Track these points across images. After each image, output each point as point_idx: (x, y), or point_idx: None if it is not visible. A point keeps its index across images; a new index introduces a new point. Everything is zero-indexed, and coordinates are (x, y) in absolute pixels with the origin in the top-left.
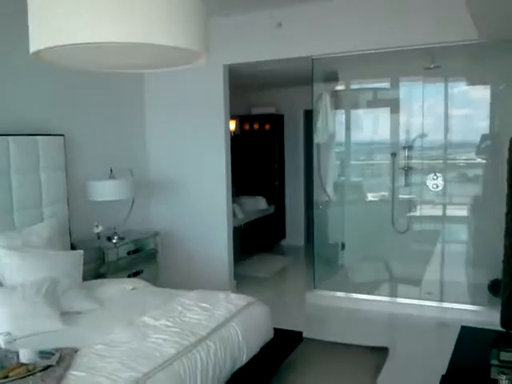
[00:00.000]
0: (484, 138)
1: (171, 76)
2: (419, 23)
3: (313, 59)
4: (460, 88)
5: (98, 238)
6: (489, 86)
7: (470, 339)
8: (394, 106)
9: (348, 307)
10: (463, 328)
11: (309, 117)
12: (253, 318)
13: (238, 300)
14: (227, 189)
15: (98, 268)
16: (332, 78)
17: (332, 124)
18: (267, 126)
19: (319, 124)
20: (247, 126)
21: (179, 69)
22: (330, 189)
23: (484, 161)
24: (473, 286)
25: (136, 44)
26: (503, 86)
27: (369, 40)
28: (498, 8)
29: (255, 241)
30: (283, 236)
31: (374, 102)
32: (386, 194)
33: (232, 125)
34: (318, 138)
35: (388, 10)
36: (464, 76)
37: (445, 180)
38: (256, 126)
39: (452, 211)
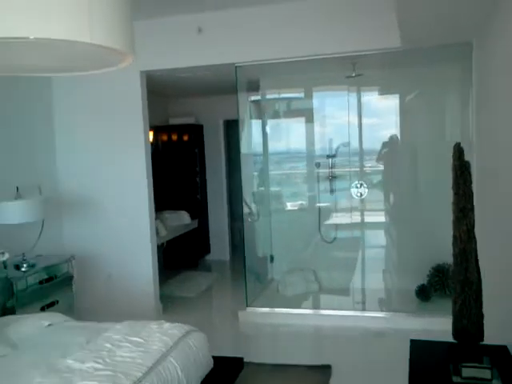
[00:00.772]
0: (384, 145)
1: (83, 82)
2: (341, 31)
3: (236, 66)
4: (375, 96)
5: (5, 267)
6: (398, 95)
7: (422, 354)
8: (317, 115)
9: (283, 323)
10: (413, 342)
11: (229, 127)
12: (191, 350)
13: (174, 330)
14: (149, 204)
15: (4, 302)
16: (255, 87)
17: (257, 134)
18: (186, 137)
19: (244, 134)
20: (165, 137)
21: (95, 73)
22: (254, 200)
23: (383, 167)
24: (401, 292)
25: (42, 40)
26: (414, 94)
27: (292, 47)
28: (426, 12)
29: (179, 258)
30: (208, 251)
31: (298, 112)
32: (312, 203)
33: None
34: (244, 148)
35: (312, 17)
36: (381, 85)
37: (367, 187)
38: (174, 137)
39: (375, 218)
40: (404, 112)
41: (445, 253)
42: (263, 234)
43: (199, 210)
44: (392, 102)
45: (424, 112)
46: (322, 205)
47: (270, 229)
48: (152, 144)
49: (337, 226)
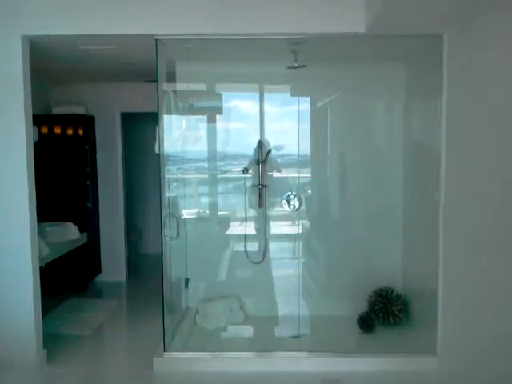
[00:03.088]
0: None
1: None
2: (288, 7)
3: (156, 40)
4: (316, 94)
5: None
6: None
7: None
8: (245, 113)
9: (210, 371)
10: None
11: (127, 121)
12: None
13: None
14: (31, 216)
15: None
16: (170, 74)
17: (173, 132)
18: (74, 131)
19: (161, 130)
20: (46, 130)
21: None
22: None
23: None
24: (341, 321)
25: None
26: (361, 92)
27: (225, 22)
28: None
29: (62, 281)
30: (99, 271)
31: (218, 108)
32: (236, 217)
33: None
34: (160, 147)
35: None
36: (324, 80)
37: (301, 199)
38: (58, 130)
39: (310, 235)
40: (345, 115)
41: (386, 274)
42: (176, 251)
43: (89, 222)
44: (336, 103)
45: (370, 115)
46: (248, 219)
47: (186, 245)
48: None
49: (266, 244)
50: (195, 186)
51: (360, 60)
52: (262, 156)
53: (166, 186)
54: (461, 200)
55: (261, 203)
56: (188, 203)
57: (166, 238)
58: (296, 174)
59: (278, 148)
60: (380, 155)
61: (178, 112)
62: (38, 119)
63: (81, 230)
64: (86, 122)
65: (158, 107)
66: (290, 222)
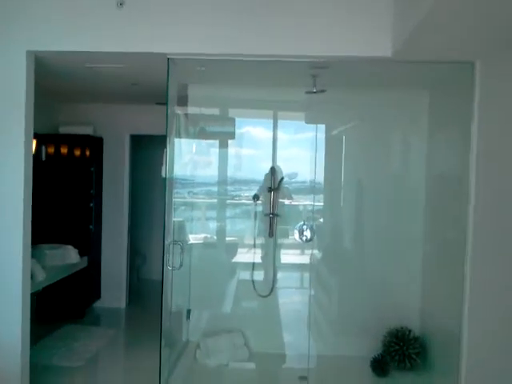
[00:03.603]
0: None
1: None
2: (310, 28)
3: (169, 58)
4: (334, 122)
5: None
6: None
7: None
8: (260, 137)
9: None
10: None
11: (136, 144)
12: None
13: None
14: (25, 239)
15: None
16: (182, 97)
17: (183, 155)
18: (81, 152)
19: (169, 154)
20: (52, 150)
21: None
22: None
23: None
24: (353, 362)
25: None
26: (384, 121)
27: (241, 41)
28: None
29: (58, 307)
30: (98, 296)
31: (231, 134)
32: (244, 247)
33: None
34: (167, 171)
35: (272, 4)
36: (345, 107)
37: (314, 230)
38: (64, 150)
39: (322, 269)
40: (363, 143)
41: (402, 313)
42: (179, 280)
43: (91, 245)
44: (353, 131)
45: (390, 144)
46: (257, 247)
47: (190, 273)
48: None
49: (274, 276)
50: (203, 211)
51: (382, 86)
52: (275, 183)
53: (173, 210)
54: (490, 237)
55: (271, 232)
56: (195, 228)
57: (168, 268)
58: (309, 202)
59: (292, 176)
60: (400, 186)
61: (189, 136)
62: (45, 138)
63: (81, 254)
64: (94, 143)
65: (167, 130)
66: (300, 253)
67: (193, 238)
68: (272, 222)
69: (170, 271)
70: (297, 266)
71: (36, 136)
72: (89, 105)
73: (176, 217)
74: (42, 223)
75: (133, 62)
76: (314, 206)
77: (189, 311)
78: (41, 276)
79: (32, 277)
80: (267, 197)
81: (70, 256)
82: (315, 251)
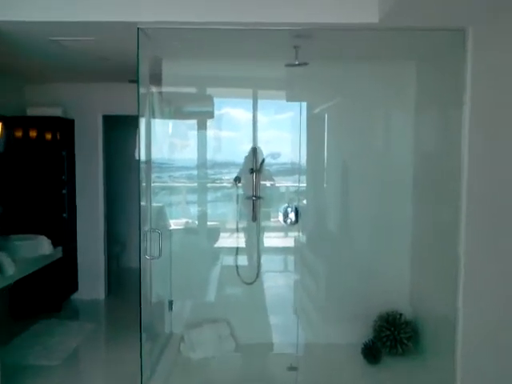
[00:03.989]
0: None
1: None
2: None
3: (139, 28)
4: (320, 97)
5: None
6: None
7: None
8: (240, 115)
9: None
10: None
11: (109, 125)
12: None
13: None
14: None
15: None
16: (157, 72)
17: (158, 137)
18: (51, 135)
19: (142, 135)
20: (19, 133)
21: None
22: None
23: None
24: (343, 349)
25: None
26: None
27: (217, 9)
28: None
29: (33, 301)
30: (75, 288)
31: (206, 112)
32: (227, 232)
33: None
34: (140, 153)
35: None
36: (328, 81)
37: (299, 213)
38: (33, 134)
39: (308, 252)
40: (347, 120)
41: (392, 297)
42: (159, 269)
43: (65, 234)
44: (337, 107)
45: (375, 121)
46: (240, 233)
47: (170, 263)
48: None
49: (259, 262)
50: (183, 195)
51: (367, 59)
52: (257, 165)
53: (151, 195)
54: (486, 215)
55: (254, 216)
56: (175, 213)
57: (146, 257)
58: (292, 184)
59: (275, 156)
60: (386, 165)
61: (164, 116)
62: (11, 121)
63: (55, 244)
64: (64, 125)
65: (139, 109)
66: (285, 237)
67: (173, 224)
68: (255, 205)
69: (149, 260)
70: (282, 251)
71: (0, 119)
72: (58, 84)
73: (155, 202)
74: (11, 213)
75: (101, 34)
76: (298, 187)
77: (171, 302)
78: (10, 270)
79: (1, 271)
80: (249, 179)
81: (42, 247)
82: (300, 234)
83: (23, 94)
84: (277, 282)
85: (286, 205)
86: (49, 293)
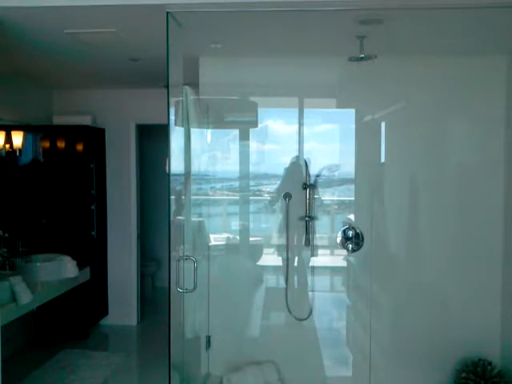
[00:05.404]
0: None
1: None
2: None
3: (169, 12)
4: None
5: None
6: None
7: None
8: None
9: None
10: None
11: (144, 134)
12: None
13: None
14: None
15: None
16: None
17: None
18: (79, 145)
19: (175, 145)
20: (45, 143)
21: None
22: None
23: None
24: None
25: None
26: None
27: None
28: None
29: (58, 327)
30: (105, 312)
31: (256, 119)
32: (274, 259)
33: (17, 138)
34: (170, 165)
35: None
36: (399, 80)
37: (361, 236)
38: (60, 144)
39: (373, 284)
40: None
41: (477, 340)
42: (194, 298)
43: (94, 254)
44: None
45: (453, 129)
46: (291, 259)
47: (208, 290)
48: (20, 151)
49: (313, 295)
50: (223, 209)
51: (446, 53)
52: (310, 179)
53: (189, 209)
54: None
55: (307, 240)
56: (214, 228)
57: (178, 291)
58: (347, 199)
59: (333, 168)
60: (469, 180)
61: (202, 125)
62: (36, 130)
63: (83, 264)
64: (93, 135)
65: (168, 116)
66: (344, 266)
67: (213, 239)
68: (308, 226)
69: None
70: (340, 283)
71: (24, 128)
72: (86, 91)
73: (194, 216)
74: (35, 230)
75: (122, 23)
76: (354, 205)
77: (208, 337)
78: (26, 298)
79: (15, 299)
80: (300, 195)
81: (66, 269)
82: (362, 262)
83: (49, 101)
84: (333, 318)
85: (346, 226)
86: (75, 318)
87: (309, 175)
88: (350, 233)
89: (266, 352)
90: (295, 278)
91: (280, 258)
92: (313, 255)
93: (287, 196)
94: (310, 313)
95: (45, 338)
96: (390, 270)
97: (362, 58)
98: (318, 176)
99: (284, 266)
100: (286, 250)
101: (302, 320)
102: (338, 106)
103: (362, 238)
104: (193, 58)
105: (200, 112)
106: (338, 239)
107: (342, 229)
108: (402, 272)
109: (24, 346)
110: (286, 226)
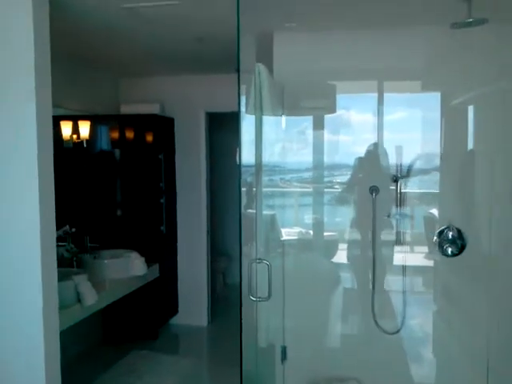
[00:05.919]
0: None
1: None
2: None
3: None
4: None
5: None
6: None
7: None
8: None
9: None
10: None
11: (215, 123)
12: None
13: None
14: (44, 259)
15: None
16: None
17: (269, 137)
18: (147, 135)
19: (246, 134)
20: (112, 134)
21: None
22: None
23: None
24: None
25: None
26: None
27: None
28: None
29: (127, 327)
30: (175, 311)
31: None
32: (359, 263)
33: (84, 128)
34: (241, 156)
35: None
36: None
37: (464, 239)
38: (127, 134)
39: (477, 292)
40: None
41: None
42: (268, 305)
43: (163, 250)
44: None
45: None
46: (378, 260)
47: (283, 300)
48: (87, 142)
49: (404, 305)
50: (296, 202)
51: None
52: (402, 170)
53: (261, 203)
54: None
55: (398, 239)
56: (287, 222)
57: (251, 299)
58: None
59: (430, 159)
60: None
61: (276, 111)
62: (102, 120)
63: (152, 261)
64: (162, 125)
65: (239, 102)
66: (442, 272)
67: (285, 233)
68: (399, 226)
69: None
70: (437, 290)
71: (91, 117)
72: (154, 78)
73: (265, 210)
74: (102, 225)
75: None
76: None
77: (284, 349)
78: (91, 299)
79: (80, 299)
80: (388, 189)
81: (134, 267)
82: (463, 267)
83: (117, 89)
84: (428, 334)
85: (445, 227)
86: (144, 318)
87: (400, 165)
88: (450, 234)
89: (348, 367)
90: (383, 281)
91: (358, 256)
92: (405, 258)
93: (374, 190)
94: (402, 324)
95: (113, 337)
96: (495, 276)
97: (469, 22)
98: (409, 167)
99: (363, 265)
100: (372, 248)
101: (391, 334)
102: (424, 89)
103: (465, 241)
104: (266, 35)
105: (274, 95)
106: (434, 239)
107: (441, 229)
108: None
109: (92, 346)
110: (373, 223)
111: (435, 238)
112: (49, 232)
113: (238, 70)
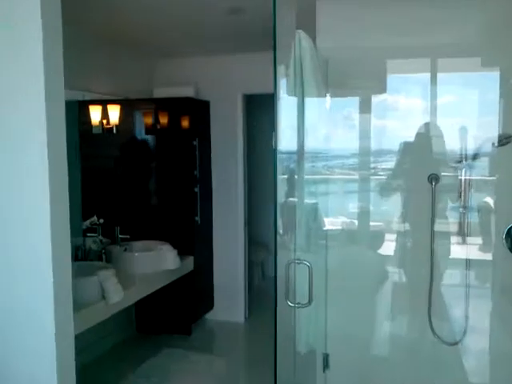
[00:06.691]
0: None
1: None
2: None
3: None
4: None
5: None
6: None
7: None
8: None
9: None
10: None
11: (252, 106)
12: None
13: None
14: (55, 255)
15: None
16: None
17: (312, 120)
18: (181, 120)
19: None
20: (145, 119)
21: None
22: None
23: None
24: None
25: None
26: None
27: None
28: None
29: (160, 322)
30: (210, 306)
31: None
32: (413, 261)
33: (114, 113)
34: (277, 141)
35: None
36: None
37: None
38: (163, 120)
39: None
40: None
41: None
42: (308, 308)
43: (197, 241)
44: None
45: None
46: (436, 264)
47: (325, 300)
48: (117, 127)
49: (467, 313)
50: (340, 190)
51: None
52: (467, 155)
53: (302, 191)
54: None
55: (463, 233)
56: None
57: (289, 304)
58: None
59: (503, 139)
60: None
61: (319, 91)
62: (134, 104)
63: (185, 253)
64: (196, 108)
65: (275, 81)
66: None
67: (328, 223)
68: (463, 218)
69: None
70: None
71: (121, 102)
72: (187, 59)
73: (307, 198)
74: (133, 215)
75: None
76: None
77: (326, 356)
78: (117, 296)
79: (104, 296)
80: (451, 178)
81: (166, 260)
82: None
83: (148, 72)
84: (495, 345)
85: None
86: (178, 312)
87: (465, 149)
88: None
89: (398, 380)
90: (442, 279)
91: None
92: (468, 259)
93: (433, 178)
94: (464, 334)
95: (146, 332)
96: None
97: None
98: (476, 155)
99: (417, 260)
100: (430, 241)
101: (452, 345)
102: (483, 66)
103: None
104: (309, 4)
105: (317, 67)
106: (505, 238)
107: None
108: None
109: (125, 340)
110: (432, 213)
111: (504, 236)
112: (61, 224)
113: (275, 42)
